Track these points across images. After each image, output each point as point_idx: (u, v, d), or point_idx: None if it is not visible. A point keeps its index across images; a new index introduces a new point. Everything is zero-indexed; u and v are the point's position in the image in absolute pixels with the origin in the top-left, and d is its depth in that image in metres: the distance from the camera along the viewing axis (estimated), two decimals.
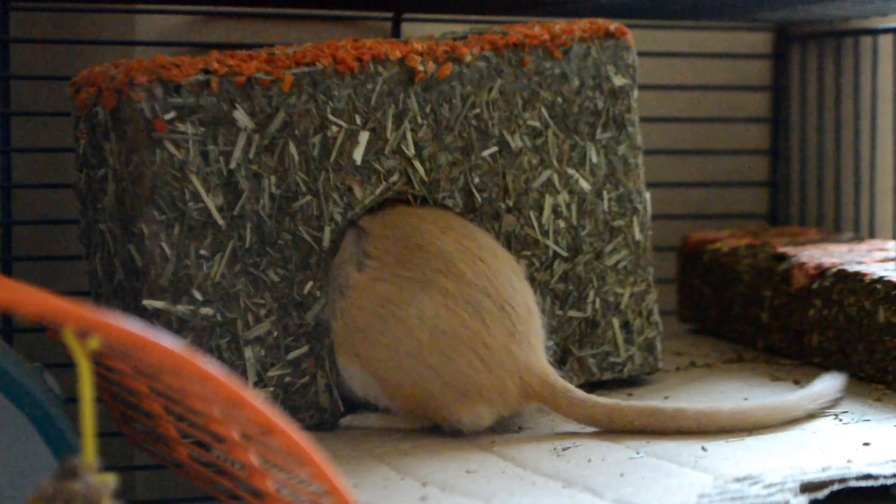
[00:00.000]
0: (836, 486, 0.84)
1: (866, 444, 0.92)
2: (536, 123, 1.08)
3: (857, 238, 1.30)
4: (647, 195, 1.13)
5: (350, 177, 1.02)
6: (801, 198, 1.47)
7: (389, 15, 1.29)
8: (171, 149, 0.96)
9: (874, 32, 1.37)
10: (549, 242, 1.08)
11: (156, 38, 1.23)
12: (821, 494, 0.83)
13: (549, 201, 1.08)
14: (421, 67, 1.03)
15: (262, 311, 0.99)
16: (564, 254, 1.09)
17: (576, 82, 1.09)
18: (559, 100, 1.08)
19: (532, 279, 1.07)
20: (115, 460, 1.15)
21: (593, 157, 1.10)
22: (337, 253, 1.01)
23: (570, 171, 1.09)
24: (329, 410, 1.02)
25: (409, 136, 1.03)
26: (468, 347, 0.98)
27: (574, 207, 1.09)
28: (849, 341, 1.11)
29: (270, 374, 0.99)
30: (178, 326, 0.97)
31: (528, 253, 1.08)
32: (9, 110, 1.19)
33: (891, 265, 1.13)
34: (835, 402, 1.02)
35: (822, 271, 1.15)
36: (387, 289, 0.99)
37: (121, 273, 0.99)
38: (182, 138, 0.97)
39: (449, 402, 0.98)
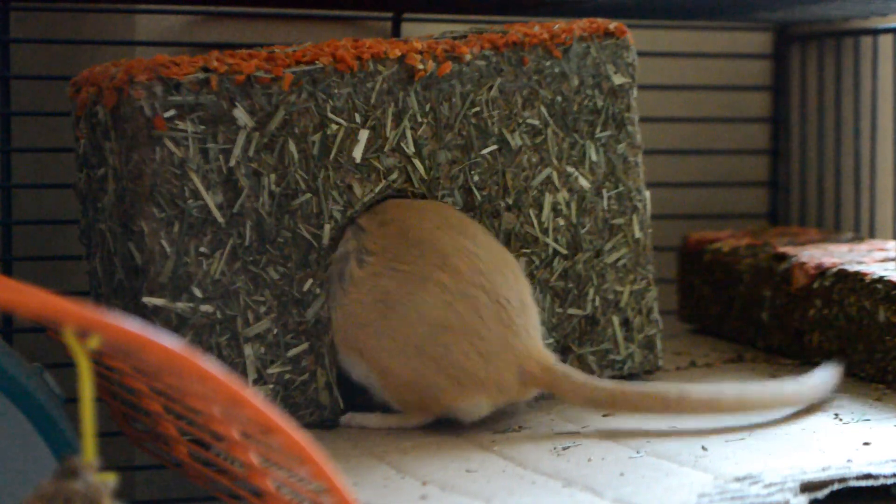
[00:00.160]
0: (836, 486, 0.84)
1: (866, 443, 0.92)
2: (536, 122, 1.08)
3: (858, 238, 1.30)
4: (647, 193, 1.13)
5: (350, 175, 1.02)
6: (801, 198, 1.47)
7: (389, 15, 1.29)
8: (171, 147, 0.96)
9: (874, 32, 1.37)
10: (549, 240, 1.08)
11: (156, 38, 1.23)
12: (821, 494, 0.83)
13: (548, 199, 1.08)
14: (421, 66, 1.03)
15: (262, 309, 0.99)
16: (564, 252, 1.09)
17: (575, 81, 1.09)
18: (559, 98, 1.08)
19: (532, 277, 1.07)
20: (115, 460, 1.15)
21: (593, 155, 1.10)
22: (337, 249, 1.01)
23: (570, 169, 1.09)
24: (329, 408, 1.02)
25: (408, 134, 1.03)
26: (465, 339, 0.98)
27: (574, 205, 1.09)
28: (849, 341, 1.11)
29: (270, 371, 0.99)
30: (177, 324, 0.97)
31: (528, 251, 1.08)
32: (9, 110, 1.19)
33: (891, 265, 1.13)
34: (834, 391, 1.03)
35: (822, 271, 1.15)
36: (386, 283, 0.99)
37: (121, 272, 0.99)
38: (182, 136, 0.97)
39: (447, 393, 0.98)
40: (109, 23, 1.25)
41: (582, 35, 1.09)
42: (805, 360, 1.17)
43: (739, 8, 1.29)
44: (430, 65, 1.04)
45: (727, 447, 0.92)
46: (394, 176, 1.03)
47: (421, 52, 1.04)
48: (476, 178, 1.06)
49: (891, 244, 1.24)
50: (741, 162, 1.46)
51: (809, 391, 1.01)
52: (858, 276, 1.10)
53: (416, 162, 1.04)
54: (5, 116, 1.18)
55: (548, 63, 1.08)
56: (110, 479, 0.61)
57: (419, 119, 1.04)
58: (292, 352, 1.00)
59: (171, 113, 0.96)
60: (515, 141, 1.07)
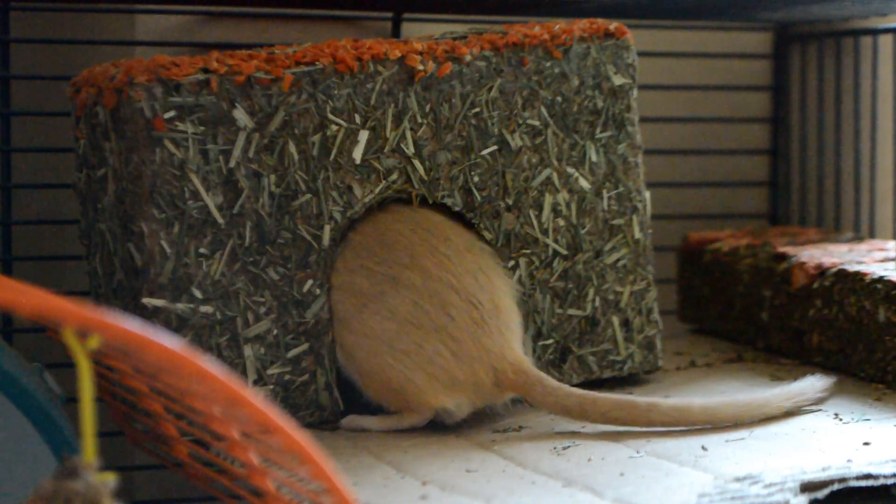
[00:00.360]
0: (836, 486, 0.84)
1: (866, 443, 0.92)
2: (536, 122, 1.08)
3: (857, 238, 1.30)
4: (647, 194, 1.13)
5: (349, 175, 1.02)
6: (801, 198, 1.47)
7: (389, 15, 1.29)
8: (171, 148, 0.96)
9: (874, 32, 1.37)
10: (549, 241, 1.08)
11: (156, 38, 1.23)
12: (821, 494, 0.83)
13: (548, 200, 1.08)
14: (421, 67, 1.03)
15: (262, 310, 0.99)
16: (564, 252, 1.09)
17: (575, 82, 1.09)
18: (559, 99, 1.08)
19: (532, 277, 1.07)
20: (115, 460, 1.15)
21: (593, 155, 1.10)
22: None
23: (570, 169, 1.09)
24: (329, 408, 1.02)
25: (408, 135, 1.03)
26: (435, 337, 0.99)
27: (574, 206, 1.09)
28: (849, 341, 1.11)
29: (270, 372, 0.99)
30: (177, 325, 0.97)
31: (528, 251, 1.08)
32: (9, 110, 1.19)
33: (891, 265, 1.13)
34: (817, 402, 1.02)
35: (822, 271, 1.15)
36: (360, 282, 1.00)
37: (120, 272, 0.99)
38: (182, 137, 0.97)
39: (425, 391, 0.99)
40: (109, 23, 1.25)
41: (582, 36, 1.09)
42: (805, 360, 1.17)
43: (739, 8, 1.29)
44: (430, 65, 1.04)
45: (727, 447, 0.92)
46: (394, 177, 1.03)
47: (421, 53, 1.04)
48: (476, 178, 1.06)
49: (891, 244, 1.24)
50: (741, 162, 1.46)
51: (782, 402, 1.00)
52: (858, 276, 1.10)
53: (416, 163, 1.04)
54: (5, 116, 1.19)
55: (548, 64, 1.08)
56: (110, 479, 0.61)
57: (419, 120, 1.04)
58: (292, 352, 1.00)
59: (171, 114, 0.96)
60: (515, 141, 1.07)
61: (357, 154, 1.02)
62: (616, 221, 1.11)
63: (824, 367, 1.13)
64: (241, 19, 1.26)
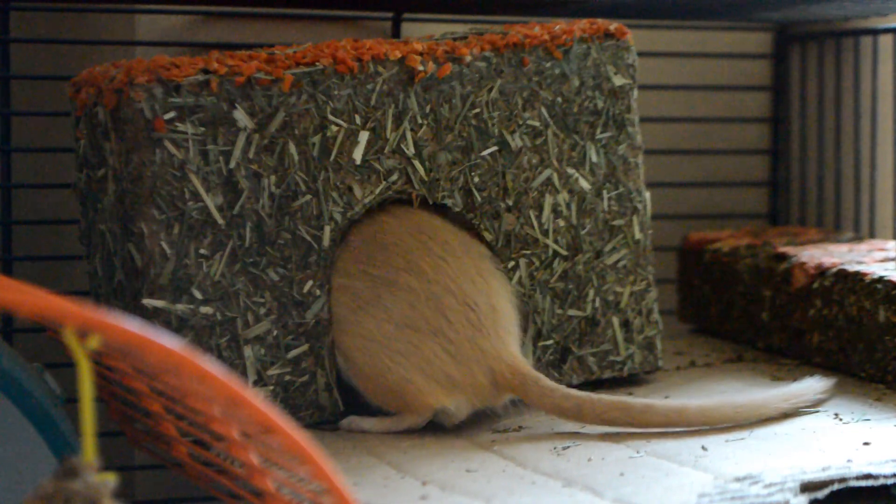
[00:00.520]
0: (836, 486, 0.84)
1: (866, 443, 0.92)
2: (536, 123, 1.08)
3: (857, 238, 1.30)
4: (647, 194, 1.13)
5: (350, 176, 1.02)
6: (801, 198, 1.47)
7: (389, 15, 1.29)
8: (171, 148, 0.96)
9: (874, 32, 1.37)
10: (549, 241, 1.08)
11: (156, 38, 1.23)
12: (821, 494, 0.83)
13: (548, 200, 1.08)
14: (421, 67, 1.03)
15: (262, 310, 0.99)
16: (564, 253, 1.09)
17: (576, 82, 1.09)
18: (559, 100, 1.08)
19: (532, 278, 1.07)
20: (115, 460, 1.15)
21: (593, 156, 1.10)
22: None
23: (570, 170, 1.09)
24: (329, 409, 1.02)
25: (408, 135, 1.03)
26: (432, 339, 1.00)
27: (574, 207, 1.09)
28: (849, 341, 1.11)
29: (270, 372, 0.99)
30: (177, 325, 0.97)
31: (528, 252, 1.08)
32: (9, 110, 1.19)
33: (891, 265, 1.13)
34: (816, 403, 1.02)
35: (822, 271, 1.15)
36: (357, 285, 1.01)
37: (120, 273, 0.99)
38: (182, 138, 0.97)
39: (424, 392, 0.99)
40: (109, 23, 1.25)
41: (582, 36, 1.09)
42: (805, 361, 1.17)
43: (739, 8, 1.29)
44: (431, 66, 1.04)
45: (727, 447, 0.92)
46: (394, 177, 1.03)
47: (421, 54, 1.04)
48: (476, 179, 1.06)
49: (891, 244, 1.24)
50: (741, 162, 1.46)
51: (779, 404, 1.00)
52: (858, 276, 1.10)
53: (417, 163, 1.04)
54: (5, 116, 1.19)
55: (548, 64, 1.08)
56: (110, 479, 0.61)
57: (419, 120, 1.04)
58: (292, 353, 1.00)
59: (171, 115, 0.96)
60: (516, 142, 1.07)
61: (357, 155, 1.02)
62: (616, 222, 1.11)
63: (824, 367, 1.13)
64: (241, 19, 1.26)
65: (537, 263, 1.08)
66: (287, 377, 1.00)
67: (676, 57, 1.42)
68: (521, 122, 1.07)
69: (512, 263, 1.07)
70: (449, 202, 1.05)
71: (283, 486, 0.75)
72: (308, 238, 1.00)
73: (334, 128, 1.01)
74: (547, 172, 1.08)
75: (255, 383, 0.99)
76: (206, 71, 0.98)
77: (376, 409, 1.02)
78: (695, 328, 1.34)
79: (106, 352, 0.76)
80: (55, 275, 1.26)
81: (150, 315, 0.96)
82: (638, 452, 0.93)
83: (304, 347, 1.00)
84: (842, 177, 1.42)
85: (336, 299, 1.01)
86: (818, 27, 1.44)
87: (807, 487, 0.83)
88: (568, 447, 0.95)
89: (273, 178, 0.99)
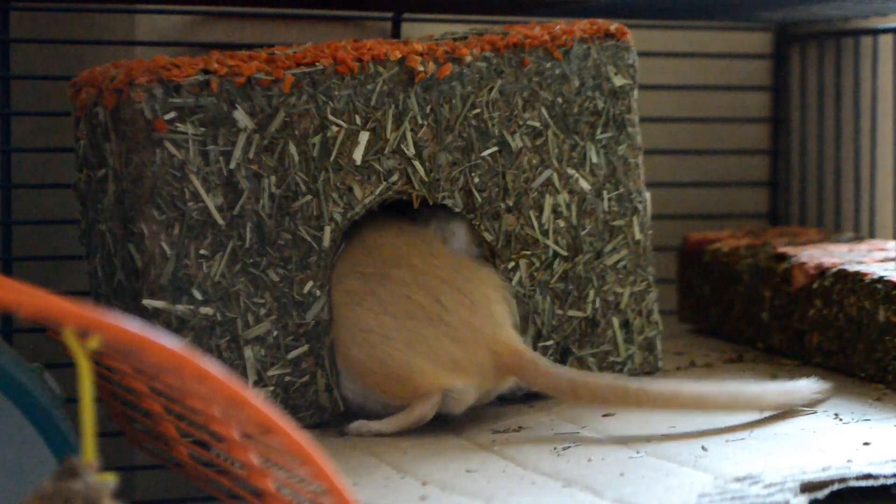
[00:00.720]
0: (836, 486, 0.84)
1: (866, 443, 0.92)
2: (536, 123, 1.08)
3: (857, 238, 1.30)
4: (647, 195, 1.13)
5: (350, 177, 1.02)
6: (801, 198, 1.47)
7: (389, 15, 1.29)
8: (172, 149, 0.96)
9: (874, 32, 1.37)
10: (549, 242, 1.08)
11: (156, 38, 1.23)
12: (821, 494, 0.83)
13: (549, 201, 1.08)
14: (421, 68, 1.03)
15: (262, 311, 0.99)
16: (564, 253, 1.09)
17: (576, 82, 1.09)
18: (559, 100, 1.08)
19: (532, 278, 1.07)
20: (115, 460, 1.15)
21: (593, 156, 1.10)
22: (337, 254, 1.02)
23: (570, 170, 1.09)
24: (329, 410, 1.02)
25: (409, 136, 1.03)
26: (430, 325, 1.00)
27: (574, 207, 1.09)
28: (849, 341, 1.11)
29: (270, 373, 0.99)
30: (177, 326, 0.97)
31: (528, 252, 1.08)
32: (9, 110, 1.19)
33: (891, 265, 1.13)
34: (813, 402, 1.02)
35: (822, 271, 1.15)
36: (351, 284, 1.01)
37: (121, 273, 0.99)
38: (182, 138, 0.97)
39: (428, 375, 0.99)
40: (109, 23, 1.25)
41: (582, 36, 1.09)
42: (805, 361, 1.17)
43: (739, 8, 1.29)
44: (431, 66, 1.04)
45: (727, 447, 0.92)
46: (394, 178, 1.03)
47: (421, 54, 1.04)
48: (476, 179, 1.06)
49: (891, 244, 1.24)
50: (741, 162, 1.47)
51: (774, 397, 1.00)
52: (858, 276, 1.10)
53: (417, 164, 1.04)
54: (5, 116, 1.19)
55: (548, 64, 1.08)
56: (110, 479, 0.61)
57: (419, 121, 1.04)
58: (292, 354, 1.00)
59: (172, 115, 0.96)
60: (516, 142, 1.07)
61: (357, 155, 1.02)
62: (616, 222, 1.11)
63: (824, 367, 1.13)
64: (241, 19, 1.26)
65: (537, 264, 1.08)
66: (287, 378, 1.00)
67: (676, 57, 1.42)
68: (521, 123, 1.07)
69: (512, 264, 1.07)
70: (449, 203, 1.05)
71: (283, 486, 0.75)
72: (308, 239, 1.00)
73: (334, 128, 1.01)
74: (547, 173, 1.08)
75: (256, 384, 0.99)
76: (206, 71, 0.98)
77: (374, 416, 1.02)
78: (695, 328, 1.34)
79: (106, 352, 0.76)
80: (55, 275, 1.26)
81: (150, 315, 0.96)
82: (638, 452, 0.93)
83: (305, 348, 1.00)
84: (842, 177, 1.42)
85: (332, 299, 1.01)
86: (818, 27, 1.44)
87: (807, 487, 0.83)
88: (568, 447, 0.95)
89: (273, 178, 0.99)
